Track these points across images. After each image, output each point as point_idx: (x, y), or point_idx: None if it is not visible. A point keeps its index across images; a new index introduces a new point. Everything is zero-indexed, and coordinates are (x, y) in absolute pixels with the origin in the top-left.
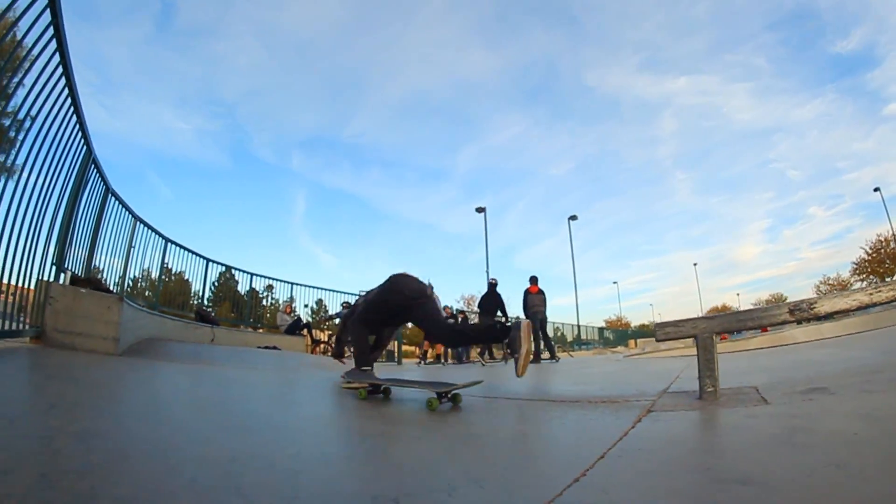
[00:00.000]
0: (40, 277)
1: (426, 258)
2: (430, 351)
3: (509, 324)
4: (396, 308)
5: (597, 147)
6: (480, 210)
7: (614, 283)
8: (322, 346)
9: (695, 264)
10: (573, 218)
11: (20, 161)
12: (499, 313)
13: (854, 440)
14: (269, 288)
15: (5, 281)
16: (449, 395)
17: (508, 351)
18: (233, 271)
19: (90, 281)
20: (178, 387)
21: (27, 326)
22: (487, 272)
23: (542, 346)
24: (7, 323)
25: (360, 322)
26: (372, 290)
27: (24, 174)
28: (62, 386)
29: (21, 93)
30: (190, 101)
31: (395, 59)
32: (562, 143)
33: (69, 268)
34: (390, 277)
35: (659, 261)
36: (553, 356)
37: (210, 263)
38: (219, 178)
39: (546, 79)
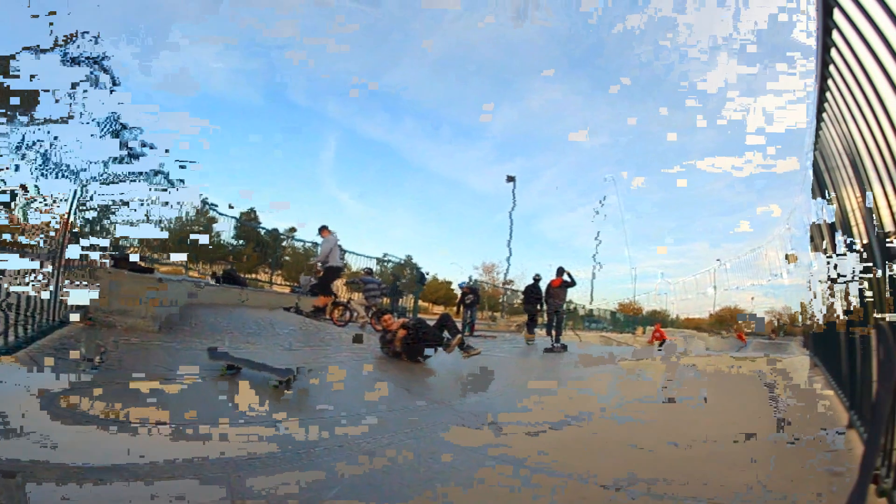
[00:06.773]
0: (85, 263)
1: (450, 213)
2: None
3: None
4: None
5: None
6: (510, 179)
7: (632, 267)
8: (340, 308)
9: (718, 260)
10: (602, 201)
11: None
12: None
13: None
14: (292, 230)
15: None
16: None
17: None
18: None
19: (127, 260)
20: None
21: (72, 312)
22: (510, 243)
23: (553, 337)
24: (65, 310)
25: None
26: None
27: None
28: None
29: None
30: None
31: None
32: (601, 115)
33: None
34: None
35: (683, 248)
36: (559, 346)
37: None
38: (251, 117)
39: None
